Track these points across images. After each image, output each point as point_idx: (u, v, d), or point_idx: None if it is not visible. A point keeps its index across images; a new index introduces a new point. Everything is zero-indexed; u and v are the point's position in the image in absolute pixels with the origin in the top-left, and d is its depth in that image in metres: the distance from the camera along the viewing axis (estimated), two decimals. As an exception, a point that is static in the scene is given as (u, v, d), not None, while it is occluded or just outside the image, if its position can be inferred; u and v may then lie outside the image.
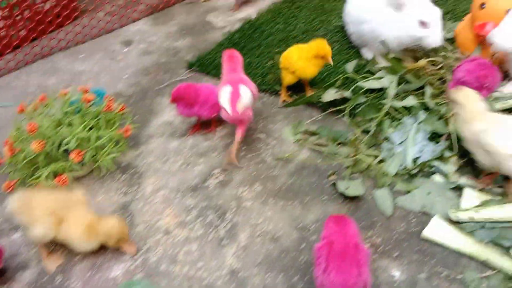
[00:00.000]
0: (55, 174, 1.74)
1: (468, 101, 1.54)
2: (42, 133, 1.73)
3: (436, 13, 2.04)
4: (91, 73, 2.70)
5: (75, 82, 2.59)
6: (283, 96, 2.21)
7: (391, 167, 1.68)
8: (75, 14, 3.21)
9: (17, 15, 2.82)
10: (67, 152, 1.77)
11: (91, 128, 1.82)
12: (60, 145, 1.75)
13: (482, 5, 2.08)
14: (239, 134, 1.81)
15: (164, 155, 1.97)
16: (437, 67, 2.16)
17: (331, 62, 2.05)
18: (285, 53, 2.16)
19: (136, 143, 2.07)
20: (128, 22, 3.33)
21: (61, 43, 2.98)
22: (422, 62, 2.17)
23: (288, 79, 2.14)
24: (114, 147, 1.85)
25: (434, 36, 2.02)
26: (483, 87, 1.84)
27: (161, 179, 1.84)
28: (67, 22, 3.06)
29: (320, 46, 2.03)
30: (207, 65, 2.57)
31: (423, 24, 2.02)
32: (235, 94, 1.73)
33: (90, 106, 1.87)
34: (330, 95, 2.02)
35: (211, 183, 1.80)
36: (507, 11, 1.98)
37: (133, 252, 1.54)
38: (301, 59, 2.06)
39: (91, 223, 1.47)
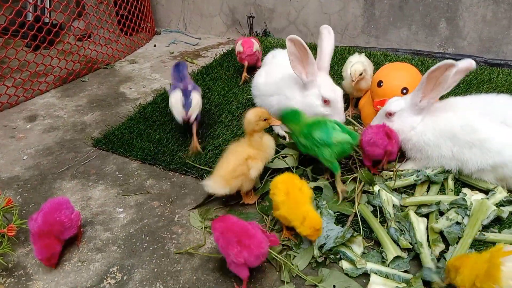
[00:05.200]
0: None
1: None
2: None
3: (338, 92, 2.10)
4: (-14, 154, 2.46)
5: (-36, 167, 2.35)
6: (285, 233, 1.76)
7: (301, 262, 1.62)
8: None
9: None
10: None
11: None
12: None
13: (379, 83, 2.17)
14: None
15: (58, 252, 1.78)
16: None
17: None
18: (275, 184, 1.72)
19: (28, 238, 1.85)
20: (35, 94, 3.15)
21: (-46, 121, 2.73)
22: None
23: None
24: (-5, 249, 1.64)
25: (337, 115, 2.06)
26: (390, 145, 1.89)
27: (51, 282, 1.64)
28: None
29: (314, 222, 1.57)
30: (115, 142, 2.45)
31: (326, 102, 2.07)
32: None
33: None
34: None
35: (107, 285, 1.63)
36: (402, 89, 2.09)
37: None
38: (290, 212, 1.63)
39: None
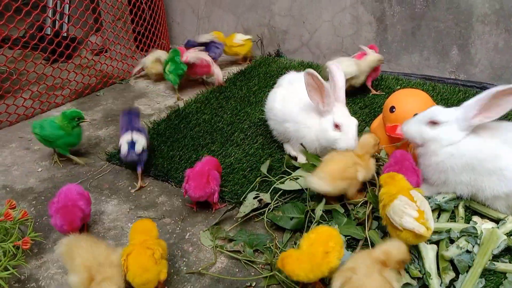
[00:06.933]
0: None
1: None
2: None
3: (352, 120, 2.12)
4: (2, 165, 2.51)
5: (-19, 177, 2.39)
6: None
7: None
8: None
9: None
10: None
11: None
12: None
13: (392, 108, 2.20)
14: None
15: (70, 266, 1.80)
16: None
17: None
18: (311, 230, 1.60)
19: (41, 250, 1.89)
20: (51, 107, 3.21)
21: (-28, 131, 2.80)
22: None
23: None
24: (10, 261, 1.66)
25: (346, 140, 2.07)
26: (415, 169, 1.95)
27: (62, 297, 1.66)
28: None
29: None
30: (128, 158, 2.48)
31: (336, 126, 2.10)
32: None
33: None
34: (248, 205, 1.99)
35: (118, 301, 1.64)
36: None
37: None
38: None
39: None
